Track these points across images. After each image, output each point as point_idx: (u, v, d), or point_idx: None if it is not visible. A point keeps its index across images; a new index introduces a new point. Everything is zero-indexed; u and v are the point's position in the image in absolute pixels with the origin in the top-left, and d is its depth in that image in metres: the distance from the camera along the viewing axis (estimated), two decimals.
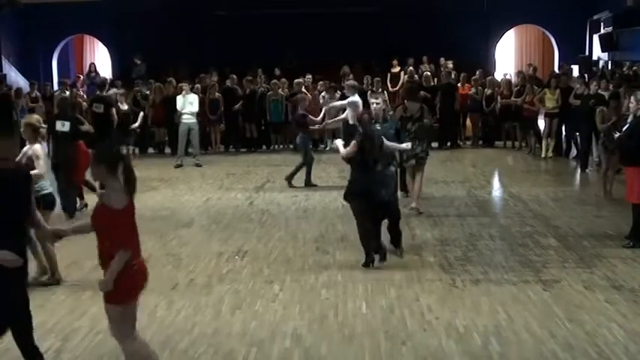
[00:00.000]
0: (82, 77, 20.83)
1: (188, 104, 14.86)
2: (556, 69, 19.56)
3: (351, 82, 13.50)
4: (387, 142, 7.86)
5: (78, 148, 10.18)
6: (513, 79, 18.30)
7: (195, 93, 15.55)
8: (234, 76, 17.69)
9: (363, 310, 6.14)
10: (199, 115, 15.71)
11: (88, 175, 8.94)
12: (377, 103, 8.66)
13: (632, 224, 8.08)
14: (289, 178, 12.20)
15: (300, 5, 20.51)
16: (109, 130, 12.21)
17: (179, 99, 15.03)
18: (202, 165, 14.68)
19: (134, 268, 4.36)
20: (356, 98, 12.62)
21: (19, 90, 17.74)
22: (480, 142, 17.38)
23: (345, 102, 13.10)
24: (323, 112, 14.40)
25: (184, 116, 14.83)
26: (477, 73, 17.61)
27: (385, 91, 16.35)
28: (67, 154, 10.09)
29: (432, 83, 17.35)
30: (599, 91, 13.50)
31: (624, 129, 8.38)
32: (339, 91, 15.80)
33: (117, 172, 4.34)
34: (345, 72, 18.18)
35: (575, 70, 18.69)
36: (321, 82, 17.10)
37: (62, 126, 10.15)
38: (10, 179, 4.47)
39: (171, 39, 20.62)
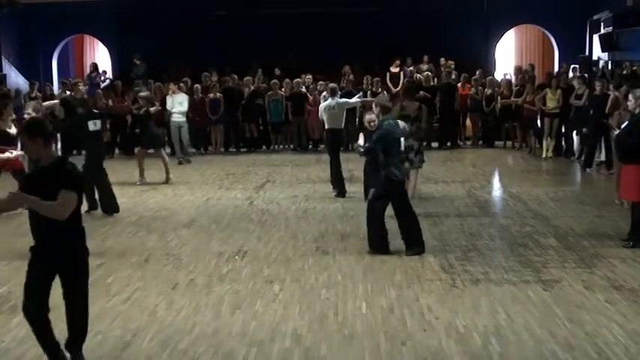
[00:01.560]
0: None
1: (177, 104, 15.18)
2: (556, 69, 19.55)
3: (331, 85, 12.83)
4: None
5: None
6: (513, 79, 18.30)
7: (185, 93, 15.82)
8: (235, 76, 17.72)
9: (363, 310, 6.13)
10: (199, 115, 15.78)
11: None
12: (372, 121, 9.06)
13: (631, 223, 8.08)
14: None
15: (300, 5, 20.51)
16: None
17: (168, 99, 15.36)
18: (191, 161, 15.10)
19: None
20: (325, 102, 11.80)
21: (17, 91, 17.70)
22: (480, 142, 17.39)
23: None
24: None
25: (174, 115, 15.17)
26: (477, 73, 17.60)
27: (385, 92, 16.30)
28: (101, 153, 10.59)
29: (432, 83, 17.36)
30: (605, 90, 13.46)
31: (623, 126, 8.37)
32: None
33: None
34: (345, 72, 18.16)
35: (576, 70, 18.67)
36: (321, 82, 17.09)
37: (94, 125, 10.26)
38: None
39: (171, 39, 20.60)
